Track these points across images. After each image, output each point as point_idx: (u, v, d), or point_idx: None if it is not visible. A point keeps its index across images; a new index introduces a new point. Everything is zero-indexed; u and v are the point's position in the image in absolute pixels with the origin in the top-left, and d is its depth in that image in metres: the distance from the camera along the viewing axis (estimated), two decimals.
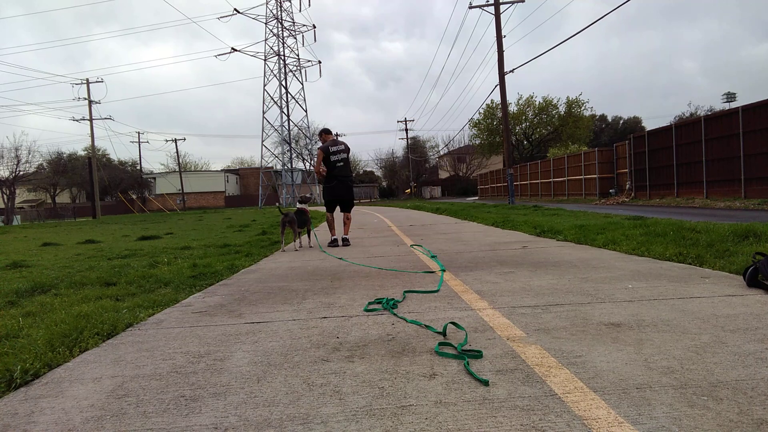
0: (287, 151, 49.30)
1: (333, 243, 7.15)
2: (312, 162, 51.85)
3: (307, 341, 2.39)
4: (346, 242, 7.10)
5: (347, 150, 7.13)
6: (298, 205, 7.07)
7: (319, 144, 7.28)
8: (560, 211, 12.39)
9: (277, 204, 8.91)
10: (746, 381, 1.66)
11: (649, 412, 1.48)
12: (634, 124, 65.45)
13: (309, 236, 7.26)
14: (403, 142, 67.00)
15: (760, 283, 3.00)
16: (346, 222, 7.39)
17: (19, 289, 4.24)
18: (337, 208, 7.43)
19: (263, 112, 47.86)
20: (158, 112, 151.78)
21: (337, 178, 7.05)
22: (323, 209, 7.87)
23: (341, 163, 7.04)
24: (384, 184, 76.22)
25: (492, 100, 49.28)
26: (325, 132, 7.34)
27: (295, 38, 49.20)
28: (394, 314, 2.82)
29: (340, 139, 7.36)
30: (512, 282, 3.61)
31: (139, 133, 58.67)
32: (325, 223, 8.83)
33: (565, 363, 1.91)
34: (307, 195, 7.27)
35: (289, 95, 48.55)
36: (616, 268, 3.97)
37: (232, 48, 44.37)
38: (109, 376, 2.06)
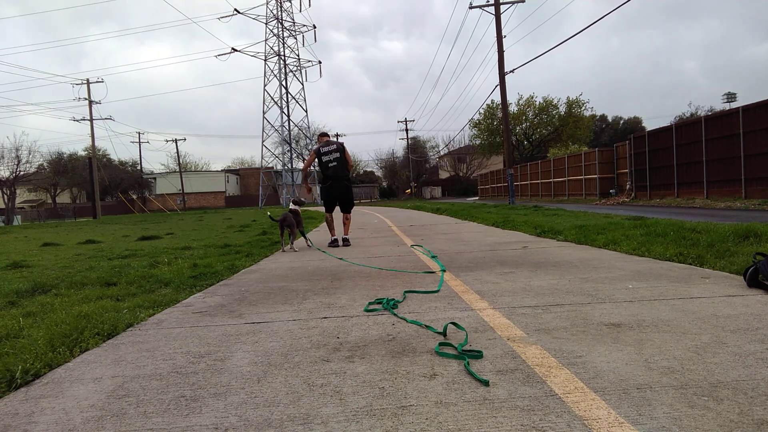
0: (287, 151, 49.32)
1: (333, 243, 7.17)
2: (312, 162, 51.84)
3: (308, 341, 2.39)
4: (346, 242, 7.11)
5: (340, 149, 7.11)
6: (291, 206, 7.05)
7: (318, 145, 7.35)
8: (560, 212, 12.39)
9: (268, 213, 8.67)
10: (747, 381, 1.66)
11: (650, 412, 1.48)
12: (635, 124, 65.42)
13: (302, 238, 7.14)
14: (404, 142, 67.09)
15: (761, 283, 3.00)
16: (346, 222, 7.41)
17: (20, 289, 4.25)
18: (337, 209, 7.45)
19: (263, 112, 47.91)
20: (158, 112, 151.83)
21: (332, 178, 7.10)
22: (323, 210, 7.89)
23: (334, 163, 7.06)
24: (384, 184, 76.20)
25: (492, 100, 49.29)
26: (322, 135, 7.46)
27: (296, 38, 49.27)
28: (395, 314, 2.82)
29: (339, 140, 7.40)
30: (513, 282, 3.61)
31: (139, 133, 58.74)
32: (324, 224, 8.86)
33: (566, 363, 1.91)
34: (302, 199, 7.30)
35: (289, 95, 48.60)
36: (616, 268, 3.97)
37: (233, 48, 44.41)
38: (110, 376, 2.06)
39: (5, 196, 38.47)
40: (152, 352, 2.36)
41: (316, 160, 7.20)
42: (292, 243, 6.84)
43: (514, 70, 22.62)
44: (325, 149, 7.09)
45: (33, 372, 2.10)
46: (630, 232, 5.94)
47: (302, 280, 4.20)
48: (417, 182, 65.71)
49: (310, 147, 53.29)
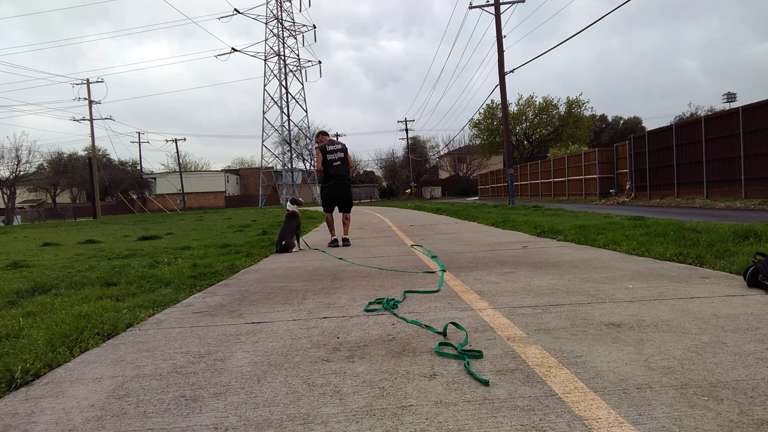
0: (287, 151, 49.29)
1: (333, 243, 7.16)
2: (311, 162, 52.34)
3: (308, 341, 2.39)
4: (346, 242, 7.09)
5: (344, 150, 7.18)
6: (289, 207, 6.99)
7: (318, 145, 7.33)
8: (560, 211, 12.39)
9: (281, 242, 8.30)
10: (747, 381, 1.66)
11: (650, 412, 1.48)
12: (635, 124, 65.40)
13: (298, 241, 7.13)
14: (403, 142, 67.14)
15: (761, 283, 3.00)
16: (346, 222, 7.40)
17: (20, 289, 4.25)
18: (336, 209, 7.44)
19: (263, 112, 47.85)
20: (157, 112, 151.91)
21: (335, 177, 7.11)
22: (321, 209, 7.88)
23: (338, 162, 7.10)
24: (384, 184, 76.21)
25: (492, 100, 49.32)
26: (322, 133, 7.44)
27: (296, 38, 49.17)
28: (395, 314, 2.82)
29: (339, 140, 7.40)
30: (512, 282, 3.61)
31: (139, 133, 58.73)
32: (325, 224, 8.87)
33: (566, 363, 1.91)
34: (300, 199, 7.26)
35: (289, 95, 48.54)
36: (616, 268, 3.97)
37: (233, 48, 44.32)
38: (110, 376, 2.06)
39: (5, 196, 38.49)
40: (152, 352, 2.36)
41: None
42: (298, 245, 6.80)
43: (514, 70, 22.62)
44: (331, 148, 7.09)
45: (33, 372, 2.09)
46: (630, 232, 5.94)
47: (302, 280, 4.20)
48: (417, 182, 65.71)
49: (310, 147, 53.35)
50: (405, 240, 7.55)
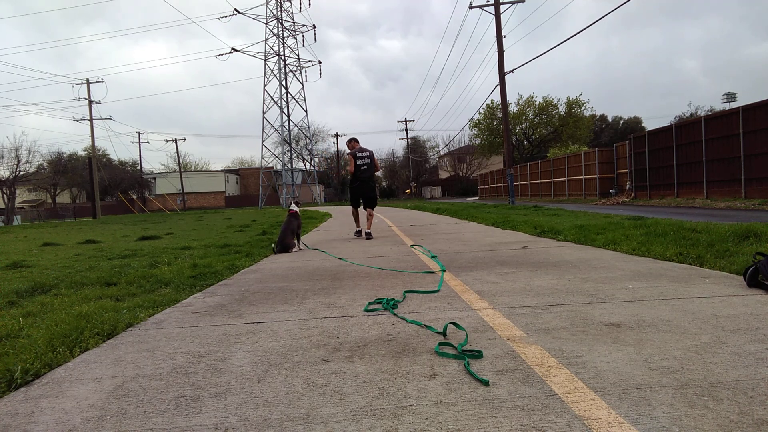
0: (287, 151, 49.29)
1: (357, 234, 8.34)
2: (312, 162, 53.05)
3: (308, 341, 2.39)
4: (368, 236, 7.92)
5: (371, 156, 8.25)
6: (293, 207, 7.17)
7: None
8: (560, 212, 12.39)
9: (272, 245, 8.23)
10: (746, 381, 1.66)
11: (650, 412, 1.48)
12: (635, 124, 65.38)
13: (298, 241, 7.13)
14: (403, 142, 67.20)
15: (761, 283, 3.00)
16: (369, 218, 8.26)
17: (20, 289, 4.25)
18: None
19: (263, 112, 47.86)
20: (157, 112, 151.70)
21: (360, 179, 8.20)
22: (323, 210, 8.14)
23: (365, 167, 8.14)
24: (384, 184, 76.23)
25: (492, 100, 49.33)
26: (353, 140, 8.36)
27: (295, 38, 49.19)
28: (395, 314, 2.82)
29: (339, 139, 7.89)
30: (512, 282, 3.61)
31: (139, 133, 58.82)
32: (328, 222, 9.06)
33: (566, 363, 1.91)
34: (298, 201, 7.59)
35: (289, 95, 48.54)
36: (616, 268, 3.97)
37: (233, 48, 44.33)
38: (110, 376, 2.06)
39: (5, 196, 38.50)
40: (152, 352, 2.36)
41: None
42: (298, 245, 6.84)
43: (514, 70, 22.61)
44: (360, 155, 8.14)
45: (33, 372, 2.09)
46: (630, 232, 5.94)
47: (302, 280, 4.20)
48: (417, 182, 65.73)
49: (309, 147, 53.52)
50: (405, 240, 7.55)
